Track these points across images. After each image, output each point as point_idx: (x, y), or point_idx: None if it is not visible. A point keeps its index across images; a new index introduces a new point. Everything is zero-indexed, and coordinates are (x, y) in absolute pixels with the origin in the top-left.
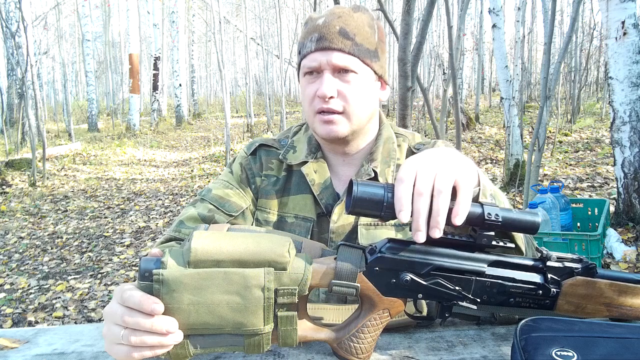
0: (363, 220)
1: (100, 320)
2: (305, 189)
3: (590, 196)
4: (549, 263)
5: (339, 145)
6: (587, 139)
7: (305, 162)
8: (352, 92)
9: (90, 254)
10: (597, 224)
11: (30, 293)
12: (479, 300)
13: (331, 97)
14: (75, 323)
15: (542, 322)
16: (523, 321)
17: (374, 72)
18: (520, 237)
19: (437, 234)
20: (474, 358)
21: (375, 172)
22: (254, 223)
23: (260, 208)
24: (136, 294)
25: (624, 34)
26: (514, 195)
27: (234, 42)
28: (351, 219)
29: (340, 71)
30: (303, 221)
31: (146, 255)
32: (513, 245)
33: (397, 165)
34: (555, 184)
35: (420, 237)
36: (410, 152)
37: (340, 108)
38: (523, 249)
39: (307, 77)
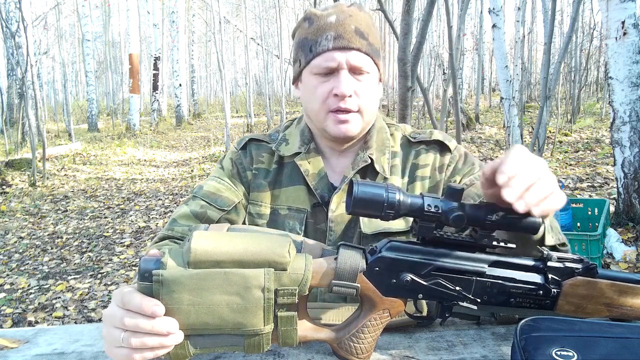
0: None
1: (100, 320)
2: (298, 180)
3: (590, 196)
4: (549, 263)
5: (341, 144)
6: (587, 139)
7: (298, 154)
8: (365, 91)
9: (90, 254)
10: (597, 224)
11: (30, 293)
12: (479, 300)
13: (349, 96)
14: (75, 323)
15: (542, 322)
16: (523, 321)
17: (378, 70)
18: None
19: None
20: (474, 358)
21: (372, 159)
22: (246, 217)
23: (253, 201)
24: (136, 297)
25: (624, 34)
26: None
27: (234, 42)
28: None
29: (354, 70)
30: (296, 212)
31: (145, 255)
32: (514, 246)
33: (392, 152)
34: None
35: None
36: (407, 140)
37: (356, 107)
38: (552, 242)
39: (319, 76)
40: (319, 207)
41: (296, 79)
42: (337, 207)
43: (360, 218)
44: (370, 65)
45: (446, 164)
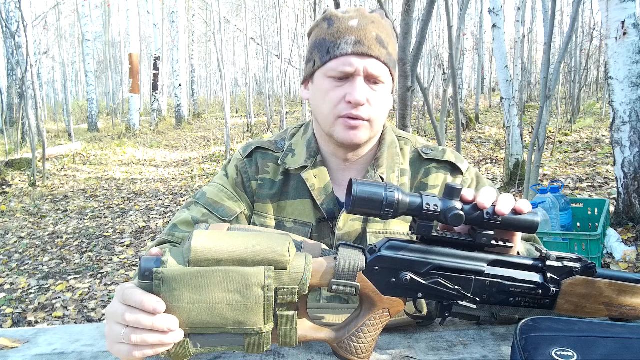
0: (372, 227)
1: (100, 320)
2: (304, 194)
3: (590, 196)
4: (548, 262)
5: (346, 152)
6: (587, 139)
7: (304, 167)
8: (378, 101)
9: (90, 254)
10: (597, 224)
11: (30, 293)
12: (478, 299)
13: (362, 105)
14: (75, 323)
15: (542, 322)
16: (523, 321)
17: (392, 81)
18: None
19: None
20: (474, 358)
21: (383, 179)
22: None
23: (258, 212)
24: (137, 293)
25: (624, 34)
26: (514, 195)
27: (234, 42)
28: (357, 226)
29: (370, 79)
30: (302, 226)
31: (145, 255)
32: (512, 245)
33: (401, 170)
34: (555, 184)
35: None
36: (418, 155)
37: (367, 116)
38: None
39: (333, 80)
40: (324, 222)
41: (307, 79)
42: (345, 226)
43: (367, 238)
44: (386, 75)
45: None
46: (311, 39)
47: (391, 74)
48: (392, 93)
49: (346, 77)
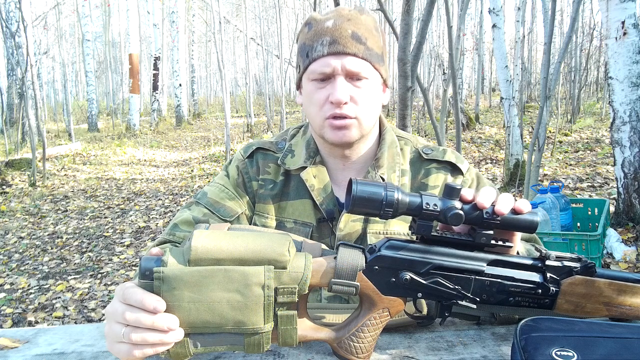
0: (372, 228)
1: (100, 320)
2: (304, 194)
3: (590, 196)
4: (548, 262)
5: (342, 150)
6: (587, 139)
7: (304, 167)
8: (363, 98)
9: (90, 254)
10: (597, 224)
11: (30, 293)
12: (478, 299)
13: (345, 103)
14: (75, 323)
15: (542, 322)
16: (523, 321)
17: (380, 76)
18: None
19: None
20: (474, 358)
21: (383, 180)
22: None
23: (258, 213)
24: (138, 292)
25: (624, 34)
26: (514, 195)
27: (234, 42)
28: (358, 227)
29: (352, 76)
30: (302, 226)
31: (145, 255)
32: (512, 245)
33: (402, 170)
34: (555, 184)
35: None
36: (418, 155)
37: (353, 114)
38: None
39: (316, 82)
40: (324, 222)
41: (298, 85)
42: (345, 226)
43: (368, 238)
44: (369, 70)
45: None
46: (297, 45)
47: (375, 68)
48: (386, 86)
49: (327, 78)
